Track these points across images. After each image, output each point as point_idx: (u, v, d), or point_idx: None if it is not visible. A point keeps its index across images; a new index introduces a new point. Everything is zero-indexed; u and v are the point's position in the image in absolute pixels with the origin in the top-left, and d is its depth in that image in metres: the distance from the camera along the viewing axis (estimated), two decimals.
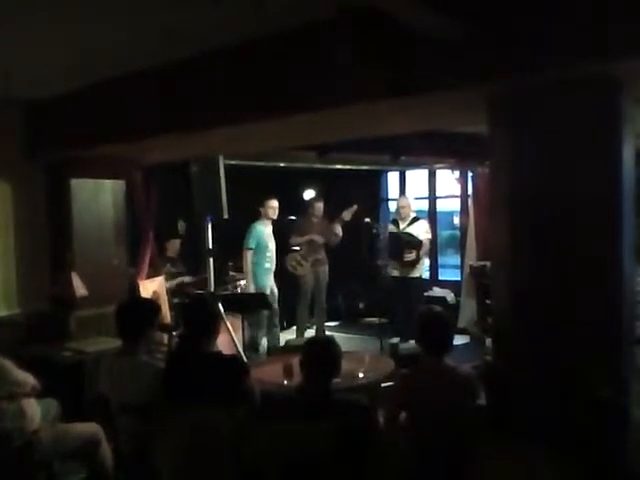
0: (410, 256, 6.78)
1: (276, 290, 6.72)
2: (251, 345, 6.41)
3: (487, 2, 2.57)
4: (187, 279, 6.43)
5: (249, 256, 6.41)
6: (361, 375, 4.05)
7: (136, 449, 3.07)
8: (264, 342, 6.76)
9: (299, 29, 3.14)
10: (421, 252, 6.84)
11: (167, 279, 6.05)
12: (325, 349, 2.79)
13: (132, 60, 3.75)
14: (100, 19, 3.05)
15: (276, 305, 6.68)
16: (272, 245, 6.64)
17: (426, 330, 3.04)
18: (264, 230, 6.57)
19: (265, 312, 6.40)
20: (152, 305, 3.57)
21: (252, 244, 6.45)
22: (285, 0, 2.78)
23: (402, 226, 6.97)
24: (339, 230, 6.98)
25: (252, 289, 6.36)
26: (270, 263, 6.59)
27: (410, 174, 9.07)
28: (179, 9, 2.92)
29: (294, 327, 7.18)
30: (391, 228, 7.06)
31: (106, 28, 3.18)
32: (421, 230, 6.87)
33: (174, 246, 6.65)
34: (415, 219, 6.99)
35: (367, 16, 2.68)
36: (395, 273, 6.91)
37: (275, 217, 6.63)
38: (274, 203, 6.60)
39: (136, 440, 3.05)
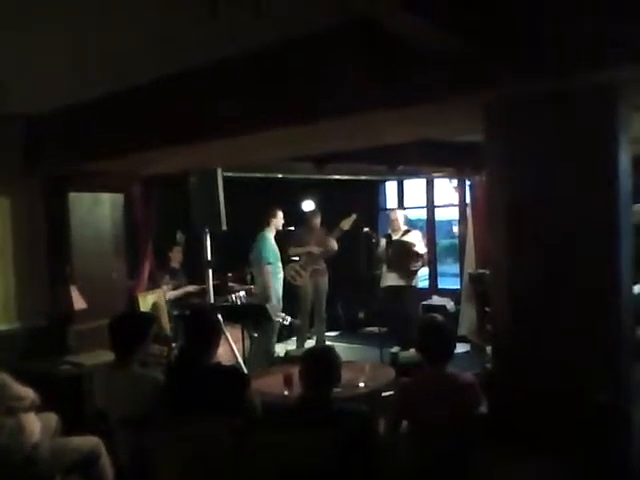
0: (417, 265, 6.78)
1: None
2: (264, 355, 6.36)
3: (485, 12, 2.59)
4: (191, 288, 6.40)
5: (270, 269, 6.30)
6: (361, 384, 4.03)
7: (136, 462, 3.05)
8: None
9: (297, 40, 3.15)
10: (424, 261, 6.91)
11: (168, 290, 6.04)
12: (325, 359, 2.79)
13: (130, 74, 3.76)
14: (99, 32, 3.07)
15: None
16: (279, 254, 6.64)
17: (427, 340, 3.02)
18: (272, 241, 6.56)
19: (277, 322, 6.35)
20: (146, 318, 3.56)
21: (271, 257, 6.36)
22: (284, 11, 2.80)
23: (395, 238, 6.91)
24: (334, 244, 6.96)
25: (274, 302, 6.23)
26: (280, 272, 6.58)
27: (408, 183, 9.10)
28: (177, 21, 2.94)
29: (294, 337, 7.16)
30: (384, 242, 6.96)
31: (105, 42, 3.19)
32: (415, 240, 6.84)
33: (177, 255, 6.63)
34: (407, 231, 6.97)
35: (365, 27, 2.70)
36: (390, 282, 6.83)
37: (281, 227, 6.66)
38: (281, 214, 6.64)
39: (136, 453, 3.04)
